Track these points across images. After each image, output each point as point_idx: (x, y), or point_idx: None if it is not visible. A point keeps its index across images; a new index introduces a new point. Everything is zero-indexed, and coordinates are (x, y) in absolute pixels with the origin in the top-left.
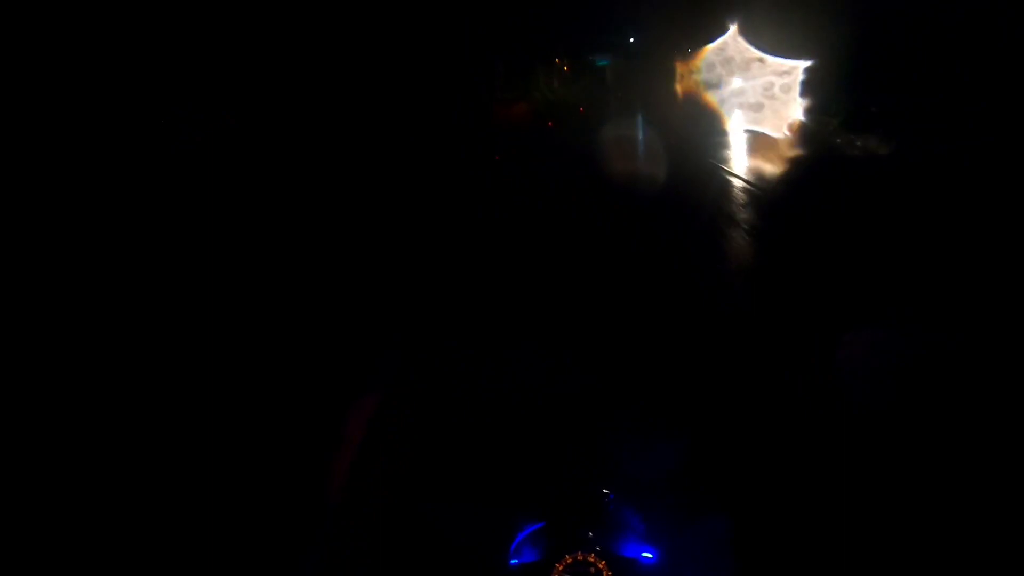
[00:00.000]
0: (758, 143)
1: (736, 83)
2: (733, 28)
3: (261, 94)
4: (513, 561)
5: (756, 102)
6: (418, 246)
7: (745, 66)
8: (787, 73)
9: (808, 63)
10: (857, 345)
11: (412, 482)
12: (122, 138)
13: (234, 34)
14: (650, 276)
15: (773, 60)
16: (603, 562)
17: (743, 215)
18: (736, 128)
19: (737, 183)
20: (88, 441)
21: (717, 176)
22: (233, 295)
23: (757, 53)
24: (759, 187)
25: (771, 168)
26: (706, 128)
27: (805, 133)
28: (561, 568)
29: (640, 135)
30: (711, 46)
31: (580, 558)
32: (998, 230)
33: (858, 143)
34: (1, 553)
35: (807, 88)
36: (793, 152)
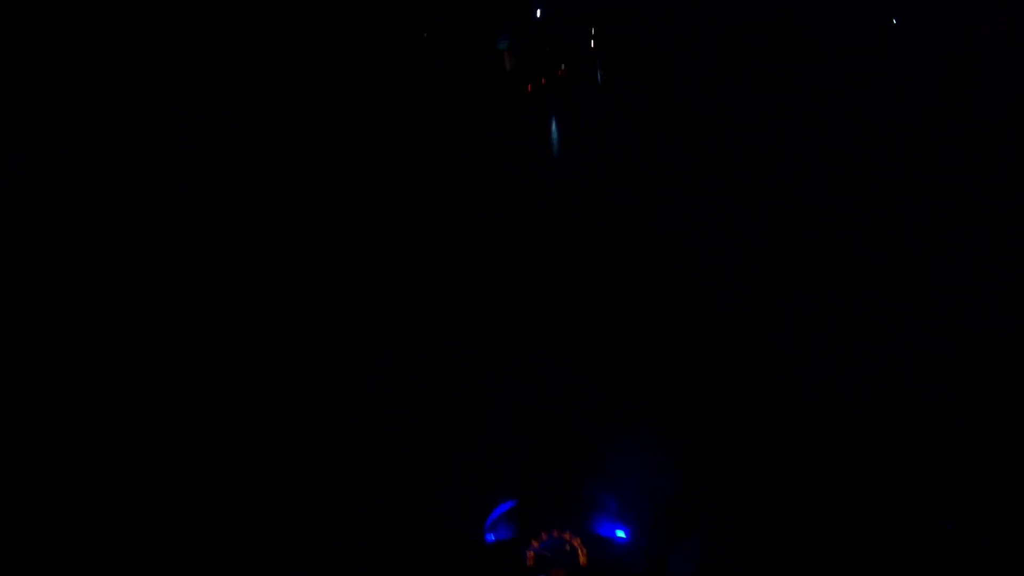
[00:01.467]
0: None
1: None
2: None
3: (261, 94)
4: (489, 537)
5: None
6: (417, 245)
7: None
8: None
9: None
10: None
11: (412, 482)
12: (121, 138)
13: (233, 34)
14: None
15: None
16: (578, 539)
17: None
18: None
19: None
20: (90, 440)
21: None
22: (233, 295)
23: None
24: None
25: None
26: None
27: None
28: (537, 545)
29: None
30: None
31: (556, 535)
32: (997, 230)
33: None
34: (1, 553)
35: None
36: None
